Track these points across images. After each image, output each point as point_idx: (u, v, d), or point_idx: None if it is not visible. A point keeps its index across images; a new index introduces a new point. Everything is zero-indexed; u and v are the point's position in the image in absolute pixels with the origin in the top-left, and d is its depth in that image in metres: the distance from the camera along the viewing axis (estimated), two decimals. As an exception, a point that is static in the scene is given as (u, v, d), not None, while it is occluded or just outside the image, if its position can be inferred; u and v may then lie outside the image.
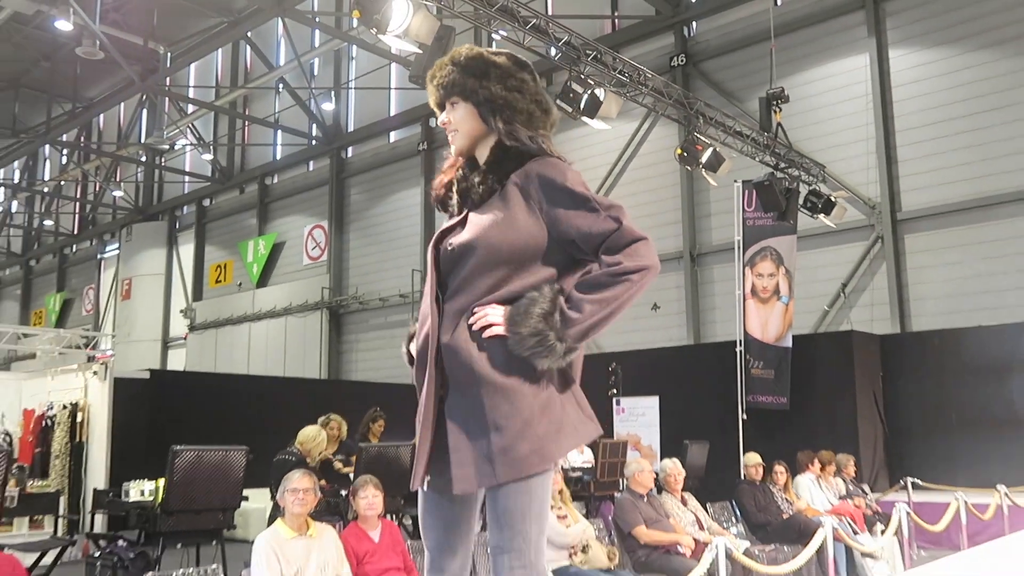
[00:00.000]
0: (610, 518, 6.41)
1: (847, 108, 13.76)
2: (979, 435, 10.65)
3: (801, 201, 11.96)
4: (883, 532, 7.25)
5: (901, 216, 13.13)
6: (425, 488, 2.19)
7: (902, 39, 13.43)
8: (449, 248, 2.17)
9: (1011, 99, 12.25)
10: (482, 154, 2.25)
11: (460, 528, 2.22)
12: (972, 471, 10.06)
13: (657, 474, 6.67)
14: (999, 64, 12.46)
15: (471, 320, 2.09)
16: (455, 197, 2.25)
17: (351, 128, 21.91)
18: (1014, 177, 12.13)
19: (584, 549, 5.10)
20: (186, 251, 26.30)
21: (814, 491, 8.03)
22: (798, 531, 6.92)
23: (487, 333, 2.07)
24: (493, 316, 2.08)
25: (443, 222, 2.32)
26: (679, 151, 11.22)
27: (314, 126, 21.99)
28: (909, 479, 10.22)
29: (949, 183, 12.72)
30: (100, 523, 8.63)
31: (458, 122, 2.24)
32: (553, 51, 9.61)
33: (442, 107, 2.28)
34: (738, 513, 7.56)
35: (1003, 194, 12.20)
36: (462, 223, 2.20)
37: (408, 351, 2.33)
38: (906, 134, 13.21)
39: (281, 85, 22.12)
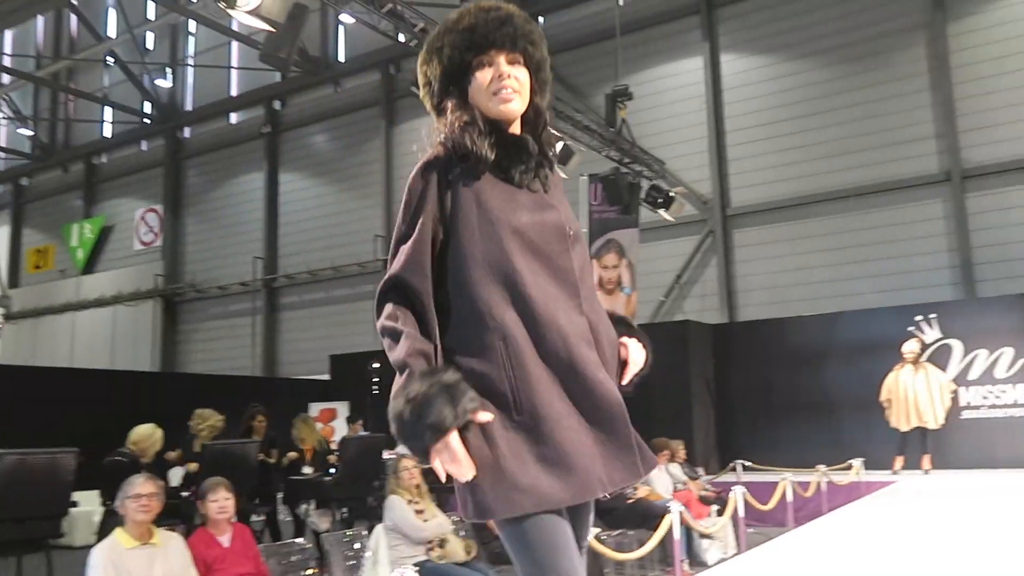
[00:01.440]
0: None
1: (684, 108, 14.43)
2: (798, 418, 11.47)
3: (643, 196, 12.42)
4: (719, 513, 7.67)
5: (730, 212, 13.93)
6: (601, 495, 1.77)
7: (732, 44, 14.21)
8: (572, 234, 1.90)
9: (829, 105, 13.23)
10: (514, 129, 1.95)
11: None
12: (793, 452, 10.78)
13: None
14: (818, 72, 13.42)
15: (635, 375, 1.97)
16: (531, 172, 1.91)
17: (189, 107, 20.89)
18: (830, 178, 13.14)
19: (442, 543, 5.13)
20: (0, 233, 24.32)
21: (662, 477, 8.40)
22: (642, 515, 7.21)
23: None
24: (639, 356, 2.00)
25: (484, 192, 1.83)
26: (529, 143, 11.36)
27: (147, 103, 20.81)
28: (739, 461, 10.84)
29: (773, 182, 13.62)
30: (-97, 534, 7.85)
31: (522, 85, 1.93)
32: (403, 37, 9.53)
33: (503, 52, 1.90)
34: (585, 500, 7.77)
35: (820, 193, 13.20)
36: (548, 205, 1.90)
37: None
38: (735, 134, 14.02)
39: (111, 58, 20.78)
